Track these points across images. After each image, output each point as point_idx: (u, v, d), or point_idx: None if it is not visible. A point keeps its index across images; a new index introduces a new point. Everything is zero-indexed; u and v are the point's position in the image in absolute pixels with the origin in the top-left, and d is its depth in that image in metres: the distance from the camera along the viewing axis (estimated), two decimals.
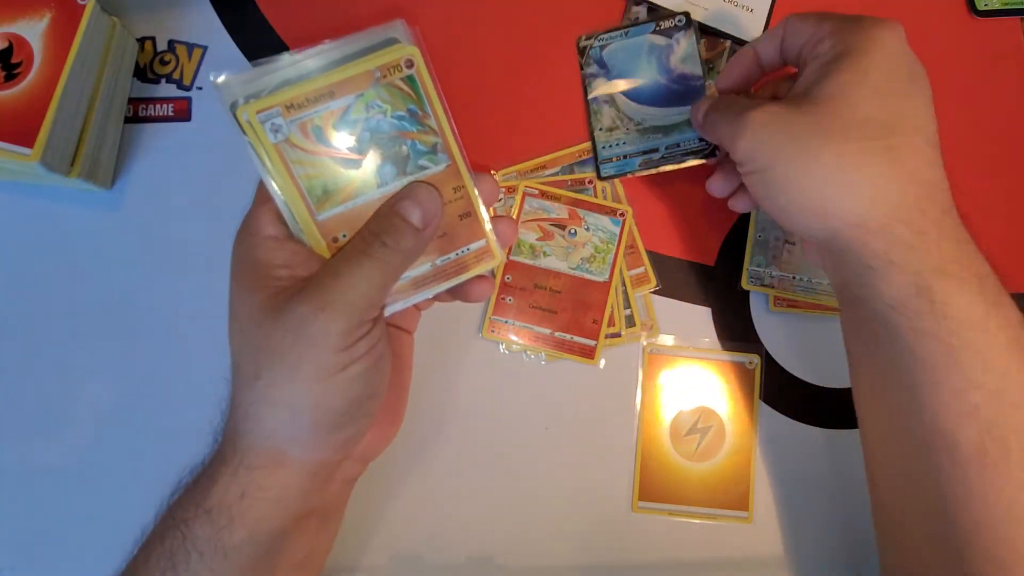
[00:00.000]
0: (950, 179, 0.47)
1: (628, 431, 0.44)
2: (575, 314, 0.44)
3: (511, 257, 0.45)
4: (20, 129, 0.39)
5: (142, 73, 0.48)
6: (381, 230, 0.31)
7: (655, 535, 0.43)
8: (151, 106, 0.48)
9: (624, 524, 0.43)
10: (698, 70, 0.46)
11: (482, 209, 0.34)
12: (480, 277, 0.36)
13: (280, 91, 0.30)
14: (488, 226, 0.34)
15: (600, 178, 0.46)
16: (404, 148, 0.32)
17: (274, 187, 0.31)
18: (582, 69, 0.47)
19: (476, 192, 0.34)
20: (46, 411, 0.44)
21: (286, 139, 0.30)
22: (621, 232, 0.45)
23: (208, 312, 0.45)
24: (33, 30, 0.41)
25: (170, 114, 0.48)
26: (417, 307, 0.40)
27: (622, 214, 0.45)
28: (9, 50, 0.40)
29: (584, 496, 0.43)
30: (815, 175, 0.32)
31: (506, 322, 0.44)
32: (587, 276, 0.45)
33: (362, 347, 0.31)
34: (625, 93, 0.46)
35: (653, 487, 0.43)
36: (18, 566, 0.42)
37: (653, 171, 0.45)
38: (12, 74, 0.40)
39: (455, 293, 0.36)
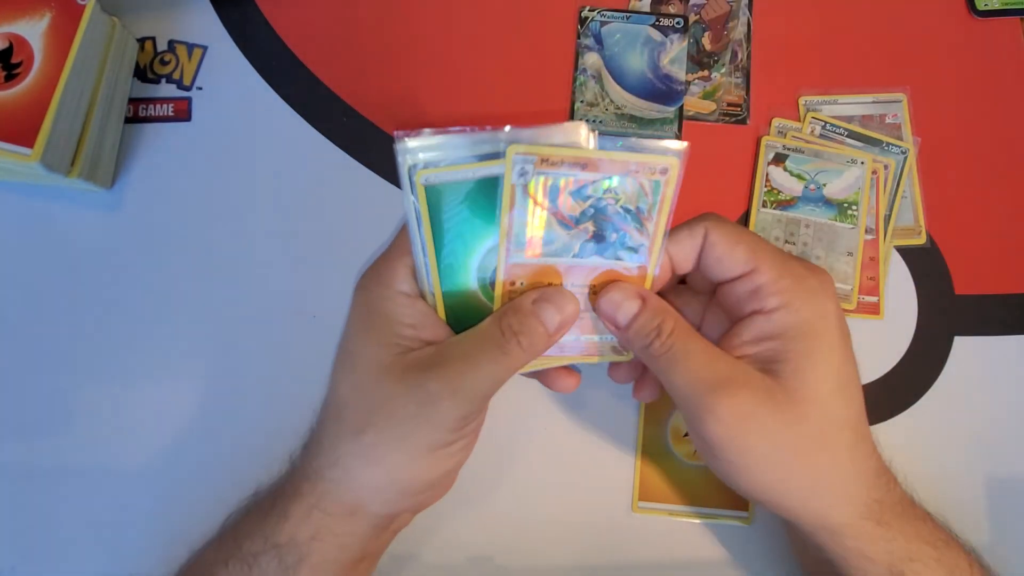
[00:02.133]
0: (951, 179, 0.47)
1: (628, 431, 0.44)
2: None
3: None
4: (20, 129, 0.39)
5: (142, 73, 0.48)
6: (520, 331, 0.31)
7: (655, 535, 0.43)
8: (151, 106, 0.48)
9: (624, 524, 0.43)
10: (682, 76, 0.47)
11: None
12: (568, 370, 0.36)
13: (545, 146, 0.30)
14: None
15: None
16: (615, 235, 0.33)
17: (422, 244, 0.31)
18: (579, 38, 0.48)
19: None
20: (46, 411, 0.44)
21: (524, 186, 0.30)
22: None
23: (208, 312, 0.45)
24: (33, 30, 0.41)
25: (170, 114, 0.48)
26: None
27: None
28: (9, 50, 0.40)
29: (584, 496, 0.43)
30: (787, 482, 0.32)
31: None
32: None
33: (470, 429, 0.32)
34: (612, 75, 0.47)
35: (653, 487, 0.43)
36: (18, 566, 0.42)
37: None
38: (12, 74, 0.40)
39: (545, 381, 0.37)
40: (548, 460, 0.44)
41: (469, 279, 0.33)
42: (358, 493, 0.32)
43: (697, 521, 0.43)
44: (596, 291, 0.34)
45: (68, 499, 0.43)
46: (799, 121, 0.47)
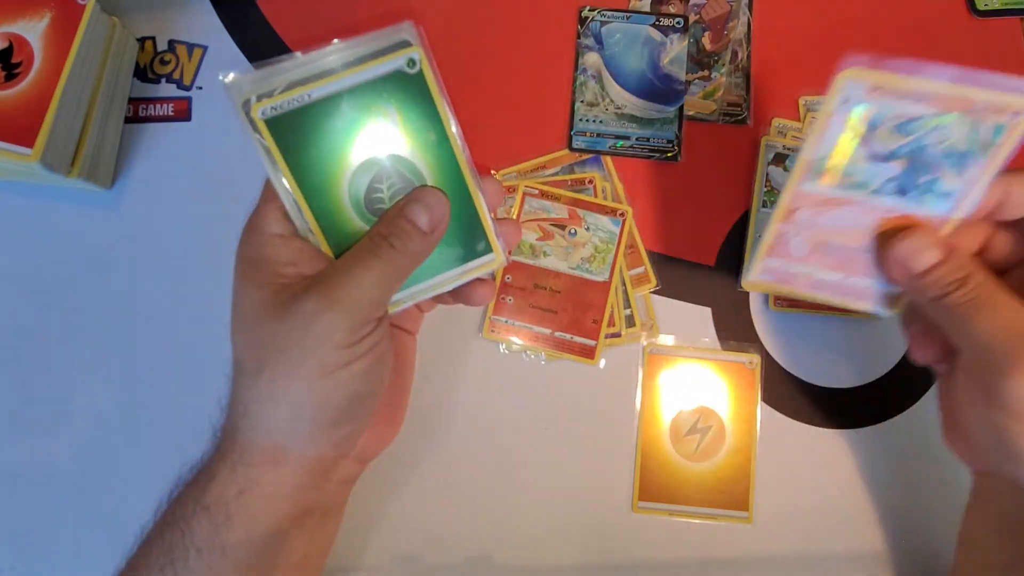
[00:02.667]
0: None
1: (628, 431, 0.44)
2: (575, 314, 0.44)
3: (512, 257, 0.45)
4: (20, 129, 0.39)
5: (142, 73, 0.48)
6: (390, 232, 0.32)
7: (655, 535, 0.43)
8: (151, 106, 0.48)
9: (624, 524, 0.43)
10: (682, 76, 0.46)
11: (486, 212, 0.34)
12: (481, 280, 0.36)
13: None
14: (492, 229, 0.35)
15: (570, 148, 0.47)
16: (926, 177, 0.30)
17: (284, 184, 0.31)
18: (579, 38, 0.48)
19: (481, 196, 0.34)
20: (46, 411, 0.44)
21: (845, 112, 0.28)
22: (621, 232, 0.45)
23: (208, 312, 0.45)
24: (33, 30, 0.41)
25: (170, 114, 0.48)
26: (420, 308, 0.40)
27: (622, 214, 0.45)
28: (9, 50, 0.40)
29: (584, 496, 0.43)
30: None
31: (506, 322, 0.44)
32: (587, 276, 0.45)
33: (366, 345, 0.31)
34: (612, 75, 0.47)
35: (653, 487, 0.43)
36: (18, 566, 0.42)
37: (619, 156, 0.46)
38: (12, 74, 0.40)
39: (457, 296, 0.37)
40: (548, 460, 0.44)
41: (344, 206, 0.32)
42: (273, 436, 0.31)
43: (697, 521, 0.43)
44: (885, 234, 0.31)
45: (68, 499, 0.43)
46: (799, 121, 0.47)
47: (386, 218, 0.32)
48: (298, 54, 0.30)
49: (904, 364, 0.45)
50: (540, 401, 0.44)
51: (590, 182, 0.46)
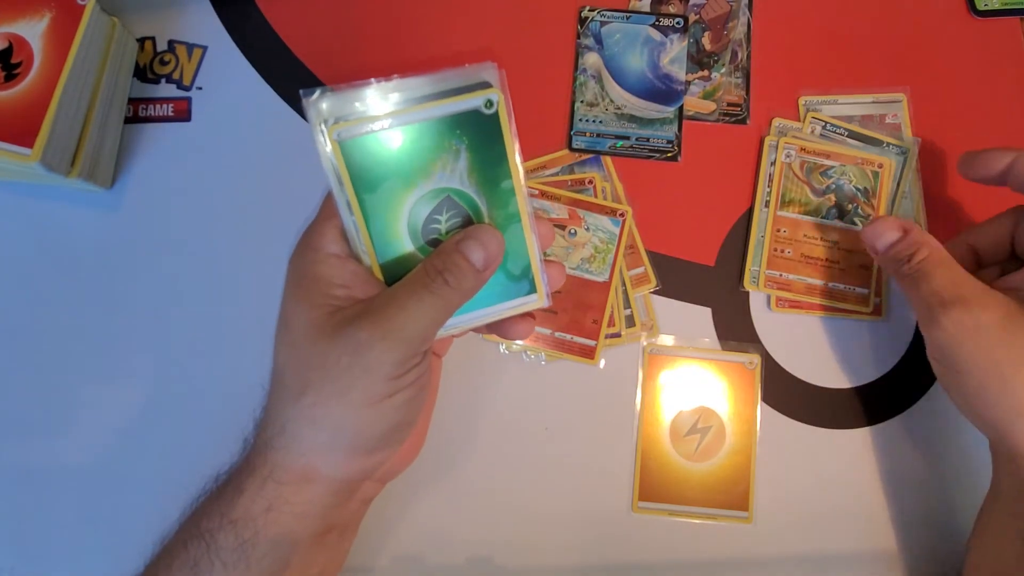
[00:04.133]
0: (951, 178, 0.47)
1: (628, 431, 0.44)
2: (575, 314, 0.44)
3: None
4: (20, 129, 0.39)
5: (142, 73, 0.48)
6: (444, 268, 0.31)
7: (655, 535, 0.43)
8: (151, 106, 0.48)
9: (624, 524, 0.43)
10: (682, 76, 0.46)
11: (537, 255, 0.35)
12: (521, 317, 0.36)
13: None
14: (541, 271, 0.35)
15: (570, 149, 0.47)
16: (850, 206, 0.41)
17: (348, 206, 0.32)
18: (579, 38, 0.48)
19: (535, 239, 0.34)
20: (46, 411, 0.44)
21: (788, 164, 0.37)
22: (621, 232, 0.45)
23: (208, 311, 0.45)
24: (33, 30, 0.41)
25: (170, 114, 0.48)
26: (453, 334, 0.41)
27: (622, 214, 0.45)
28: (9, 50, 0.40)
29: (584, 496, 0.43)
30: (1000, 396, 0.33)
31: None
32: (587, 276, 0.45)
33: (411, 377, 0.32)
34: (612, 75, 0.47)
35: (653, 487, 0.43)
36: (18, 566, 0.42)
37: (619, 157, 0.46)
38: (12, 74, 0.40)
39: (494, 329, 0.37)
40: (548, 460, 0.44)
41: (400, 233, 0.32)
42: (308, 457, 0.31)
43: (697, 521, 0.43)
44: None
45: (68, 499, 0.43)
46: (799, 121, 0.47)
47: (442, 252, 0.32)
48: (381, 80, 0.31)
49: (904, 364, 0.45)
50: (540, 401, 0.44)
51: (590, 182, 0.46)
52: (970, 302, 0.34)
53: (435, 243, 0.33)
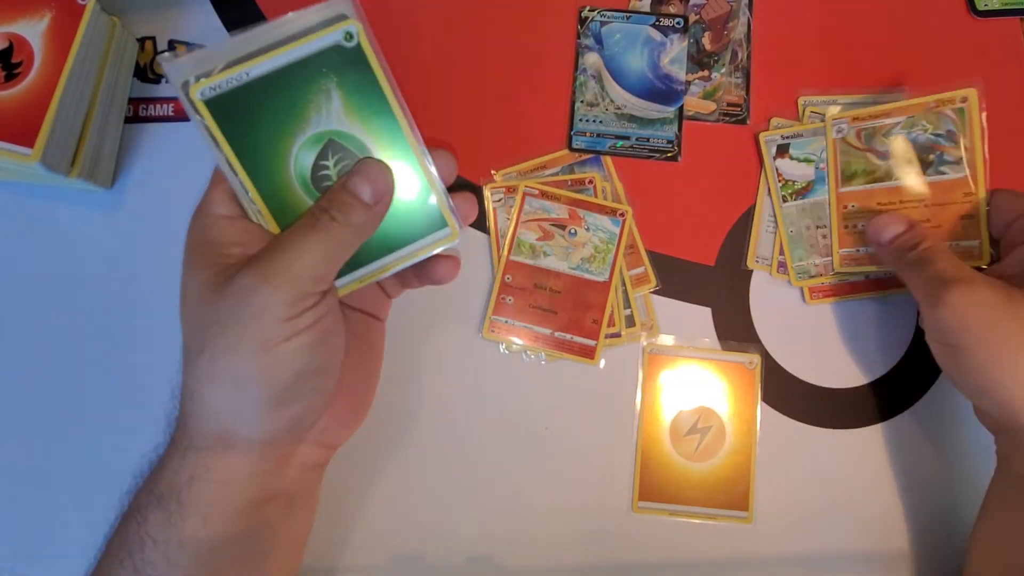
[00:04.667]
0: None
1: (628, 431, 0.44)
2: (575, 314, 0.44)
3: (511, 257, 0.45)
4: (20, 129, 0.39)
5: (142, 73, 0.48)
6: (330, 205, 0.31)
7: (655, 535, 0.43)
8: (151, 106, 0.48)
9: (624, 524, 0.43)
10: (682, 76, 0.47)
11: (438, 184, 0.34)
12: (442, 256, 0.35)
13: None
14: (445, 202, 0.34)
15: (570, 149, 0.47)
16: (932, 156, 0.40)
17: (229, 165, 0.31)
18: (579, 38, 0.48)
19: (431, 168, 0.33)
20: (46, 411, 0.44)
21: (842, 138, 0.36)
22: (621, 232, 0.45)
23: None
24: (33, 30, 0.41)
25: (170, 114, 0.48)
26: (387, 294, 0.40)
27: (622, 214, 0.45)
28: (9, 50, 0.40)
29: (584, 496, 0.43)
30: (1001, 370, 0.33)
31: (506, 322, 0.44)
32: (587, 276, 0.45)
33: (307, 319, 0.30)
34: (612, 75, 0.47)
35: (653, 487, 0.43)
36: (18, 566, 0.42)
37: (619, 157, 0.46)
38: (12, 74, 0.40)
39: (421, 276, 0.36)
40: (548, 460, 0.44)
41: (290, 185, 0.32)
42: (218, 418, 0.30)
43: (697, 521, 0.43)
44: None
45: (68, 499, 0.43)
46: (799, 121, 0.47)
47: (329, 192, 0.32)
48: (237, 32, 0.30)
49: (904, 365, 0.45)
50: (540, 401, 0.44)
51: (590, 182, 0.46)
52: (973, 280, 0.35)
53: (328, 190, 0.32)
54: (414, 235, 0.34)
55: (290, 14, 0.30)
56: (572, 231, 0.45)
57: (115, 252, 0.46)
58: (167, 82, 0.30)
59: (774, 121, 0.47)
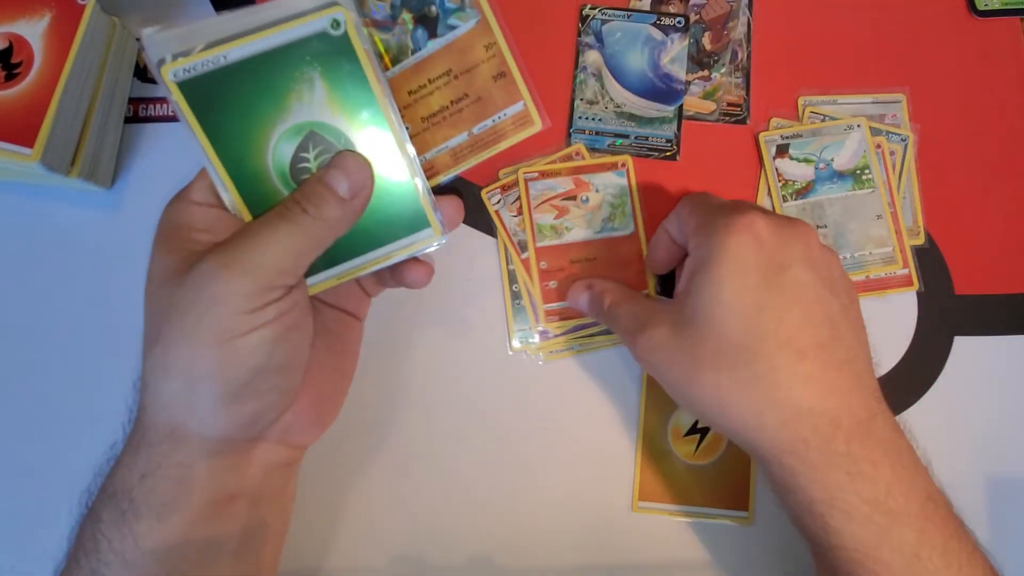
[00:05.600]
0: (951, 179, 0.47)
1: (628, 431, 0.44)
2: (617, 273, 0.44)
3: (537, 244, 0.44)
4: (20, 129, 0.39)
5: (142, 73, 0.48)
6: (303, 197, 0.30)
7: (655, 535, 0.43)
8: (151, 106, 0.48)
9: (624, 524, 0.43)
10: (682, 75, 0.47)
11: (421, 184, 0.33)
12: (417, 260, 0.34)
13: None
14: (429, 202, 0.33)
15: (569, 146, 0.46)
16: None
17: (202, 150, 0.30)
18: (579, 36, 0.48)
19: (416, 166, 0.32)
20: (46, 411, 0.44)
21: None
22: (629, 181, 0.45)
23: None
24: (33, 30, 0.41)
25: (170, 114, 0.48)
26: (367, 292, 0.39)
27: (623, 164, 0.45)
28: (9, 50, 0.40)
29: (584, 496, 0.43)
30: (701, 401, 0.33)
31: (560, 306, 0.44)
32: (614, 234, 0.44)
33: (269, 313, 0.29)
34: (613, 74, 0.47)
35: (653, 487, 0.43)
36: (18, 566, 0.42)
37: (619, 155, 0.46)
38: (12, 74, 0.40)
39: (396, 278, 0.35)
40: (548, 460, 0.44)
41: (268, 175, 0.31)
42: (169, 411, 0.29)
43: (697, 521, 0.43)
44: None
45: (68, 499, 0.43)
46: (799, 121, 0.47)
47: (304, 183, 0.31)
48: (222, 13, 0.29)
49: (904, 364, 0.45)
50: (539, 401, 0.44)
51: (577, 154, 0.46)
52: (645, 327, 0.35)
53: None
54: (395, 234, 0.33)
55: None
56: (584, 198, 0.45)
57: (115, 252, 0.46)
58: (146, 57, 0.29)
59: (774, 121, 0.47)
